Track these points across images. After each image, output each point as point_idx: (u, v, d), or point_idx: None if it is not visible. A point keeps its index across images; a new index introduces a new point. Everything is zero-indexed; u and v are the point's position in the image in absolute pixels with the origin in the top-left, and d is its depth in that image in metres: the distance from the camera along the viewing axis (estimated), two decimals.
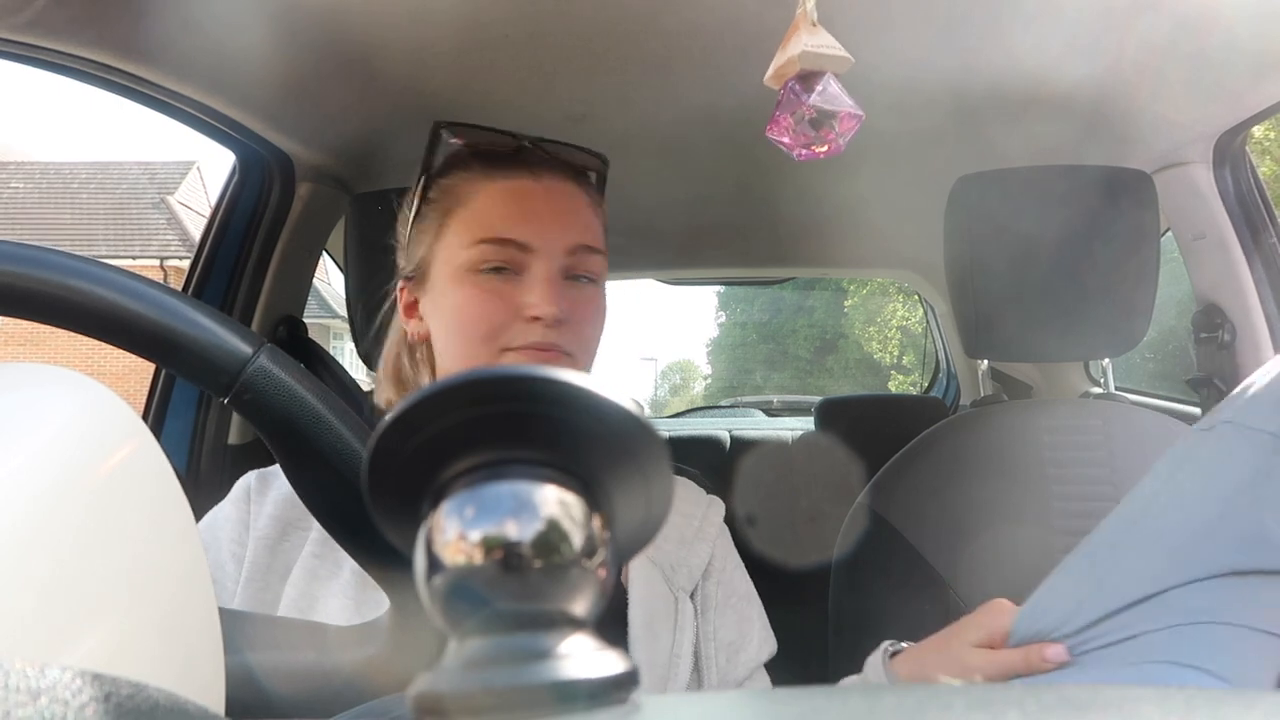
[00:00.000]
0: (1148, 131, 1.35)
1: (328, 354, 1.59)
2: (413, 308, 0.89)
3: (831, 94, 0.66)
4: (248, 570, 0.80)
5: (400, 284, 0.90)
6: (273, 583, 0.80)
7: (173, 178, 16.23)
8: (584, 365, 0.84)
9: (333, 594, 0.78)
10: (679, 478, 0.96)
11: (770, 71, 0.67)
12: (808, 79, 0.66)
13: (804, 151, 0.67)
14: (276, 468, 0.90)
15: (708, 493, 0.99)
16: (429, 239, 0.87)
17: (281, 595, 0.79)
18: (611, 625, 0.82)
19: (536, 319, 0.80)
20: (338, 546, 0.81)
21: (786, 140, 0.67)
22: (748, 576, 0.93)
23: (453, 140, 0.89)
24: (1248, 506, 0.67)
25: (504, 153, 0.88)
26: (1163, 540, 0.69)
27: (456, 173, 0.88)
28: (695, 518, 0.92)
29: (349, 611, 0.77)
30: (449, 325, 0.84)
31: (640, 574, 0.86)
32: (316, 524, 0.83)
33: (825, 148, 0.67)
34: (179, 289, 0.89)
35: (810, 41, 0.64)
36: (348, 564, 0.80)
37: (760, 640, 0.89)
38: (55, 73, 1.03)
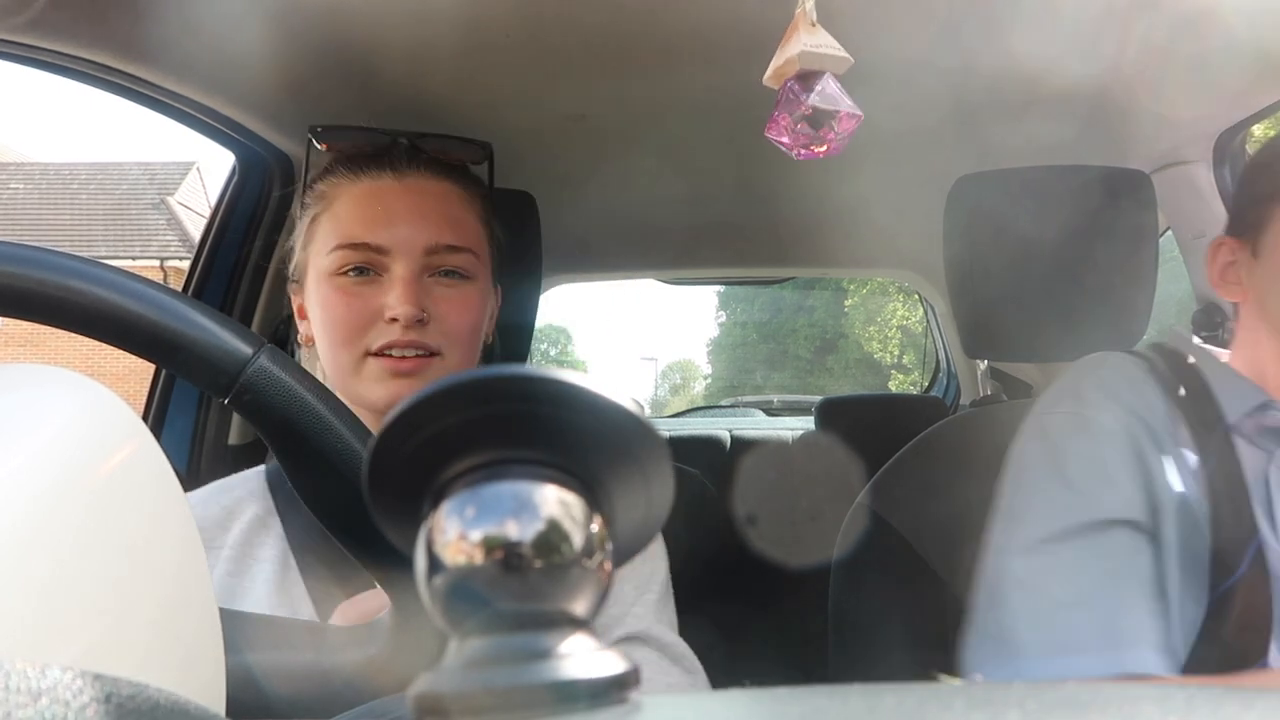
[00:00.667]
0: (1147, 131, 1.35)
1: None
2: (302, 310, 0.91)
3: (830, 94, 0.66)
4: None
5: (292, 287, 0.92)
6: None
7: (173, 178, 16.22)
8: (457, 361, 0.85)
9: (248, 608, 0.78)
10: None
11: (769, 71, 0.67)
12: (806, 79, 0.66)
13: (803, 151, 0.68)
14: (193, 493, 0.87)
15: (708, 490, 0.99)
16: (303, 243, 0.89)
17: None
18: None
19: (394, 320, 0.81)
20: (251, 563, 0.80)
21: (785, 140, 0.67)
22: (665, 582, 0.89)
23: (319, 146, 0.90)
24: None
25: (369, 153, 0.88)
26: None
27: (328, 177, 0.89)
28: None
29: None
30: (319, 328, 0.86)
31: None
32: (230, 541, 0.81)
33: (824, 147, 0.67)
34: (179, 290, 0.89)
35: (809, 41, 0.64)
36: (261, 579, 0.80)
37: (643, 618, 0.84)
38: (55, 73, 1.03)
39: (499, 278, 0.95)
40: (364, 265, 0.84)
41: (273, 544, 0.82)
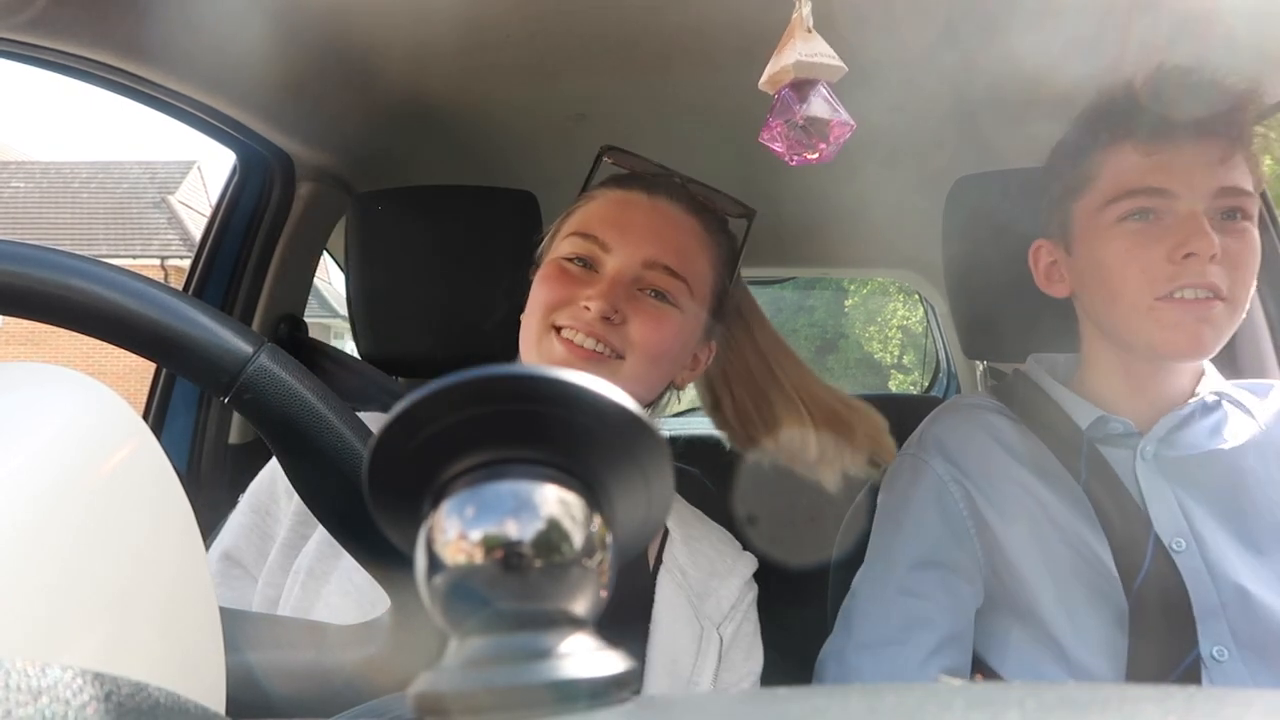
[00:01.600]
0: None
1: (330, 347, 1.58)
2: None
3: (823, 103, 0.65)
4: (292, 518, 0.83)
5: (532, 271, 0.97)
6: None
7: (173, 177, 16.22)
8: (636, 371, 0.86)
9: (331, 594, 0.78)
10: (718, 528, 0.98)
11: (765, 77, 0.67)
12: (800, 87, 0.66)
13: (796, 158, 0.68)
14: None
15: (708, 490, 1.00)
16: (553, 232, 0.96)
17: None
18: (632, 645, 0.83)
19: (587, 309, 0.84)
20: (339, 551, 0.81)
21: (779, 146, 0.67)
22: (760, 646, 0.92)
23: (607, 160, 0.98)
24: None
25: (641, 175, 0.95)
26: None
27: (597, 188, 0.96)
28: (728, 557, 0.94)
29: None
30: (531, 298, 0.91)
31: (667, 597, 0.86)
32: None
33: (816, 155, 0.67)
34: (180, 289, 0.89)
35: (804, 49, 0.64)
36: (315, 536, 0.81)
37: (759, 663, 0.90)
38: (56, 72, 1.03)
39: (714, 333, 0.97)
40: (586, 257, 0.88)
41: None
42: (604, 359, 0.85)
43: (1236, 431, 0.96)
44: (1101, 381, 0.98)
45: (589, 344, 0.84)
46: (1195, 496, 0.91)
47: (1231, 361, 1.35)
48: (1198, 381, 0.98)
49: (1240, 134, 0.88)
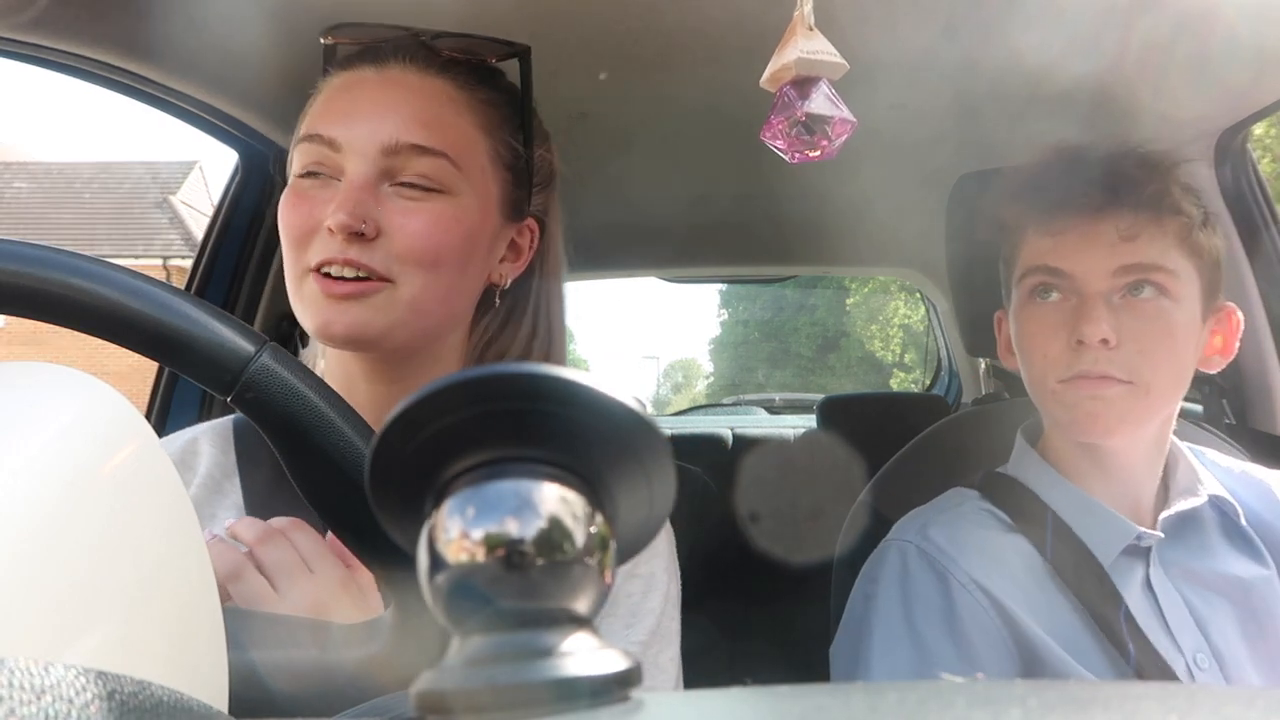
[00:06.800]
0: (1148, 130, 1.34)
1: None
2: None
3: (825, 100, 0.66)
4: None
5: None
6: None
7: (175, 177, 16.24)
8: (415, 292, 0.70)
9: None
10: None
11: (766, 75, 0.67)
12: (802, 84, 0.66)
13: (797, 155, 0.68)
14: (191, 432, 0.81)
15: (710, 490, 0.99)
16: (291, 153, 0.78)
17: None
18: None
19: (331, 230, 0.68)
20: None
21: (780, 144, 0.67)
22: (676, 580, 0.80)
23: (323, 41, 0.78)
24: None
25: (365, 48, 0.76)
26: None
27: (323, 77, 0.77)
28: None
29: None
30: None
31: None
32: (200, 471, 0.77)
33: (818, 152, 0.67)
34: (182, 288, 0.89)
35: (806, 47, 0.64)
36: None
37: (649, 631, 0.75)
38: (58, 72, 1.03)
39: (526, 207, 0.81)
40: (318, 166, 0.71)
41: (226, 513, 0.73)
42: (369, 291, 0.68)
43: (1233, 528, 0.90)
44: (1064, 452, 0.93)
45: (347, 273, 0.67)
46: (1208, 604, 0.85)
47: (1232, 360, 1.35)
48: (1164, 457, 0.91)
49: (1154, 205, 0.83)
